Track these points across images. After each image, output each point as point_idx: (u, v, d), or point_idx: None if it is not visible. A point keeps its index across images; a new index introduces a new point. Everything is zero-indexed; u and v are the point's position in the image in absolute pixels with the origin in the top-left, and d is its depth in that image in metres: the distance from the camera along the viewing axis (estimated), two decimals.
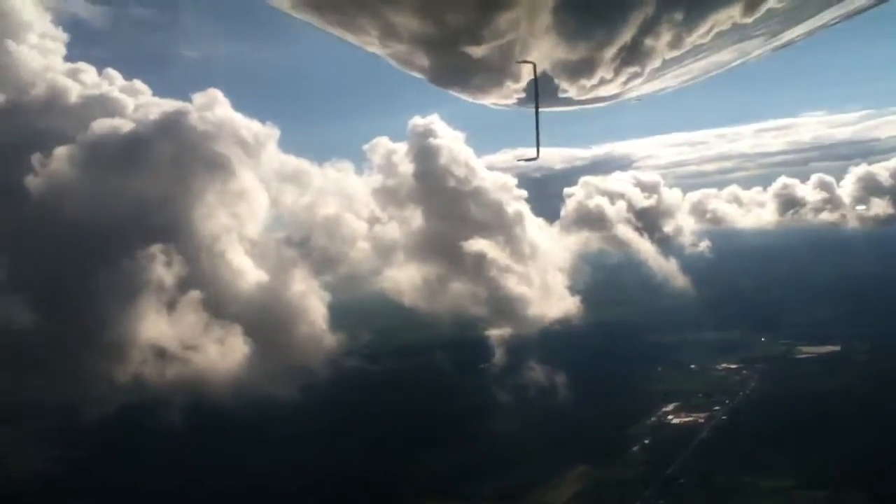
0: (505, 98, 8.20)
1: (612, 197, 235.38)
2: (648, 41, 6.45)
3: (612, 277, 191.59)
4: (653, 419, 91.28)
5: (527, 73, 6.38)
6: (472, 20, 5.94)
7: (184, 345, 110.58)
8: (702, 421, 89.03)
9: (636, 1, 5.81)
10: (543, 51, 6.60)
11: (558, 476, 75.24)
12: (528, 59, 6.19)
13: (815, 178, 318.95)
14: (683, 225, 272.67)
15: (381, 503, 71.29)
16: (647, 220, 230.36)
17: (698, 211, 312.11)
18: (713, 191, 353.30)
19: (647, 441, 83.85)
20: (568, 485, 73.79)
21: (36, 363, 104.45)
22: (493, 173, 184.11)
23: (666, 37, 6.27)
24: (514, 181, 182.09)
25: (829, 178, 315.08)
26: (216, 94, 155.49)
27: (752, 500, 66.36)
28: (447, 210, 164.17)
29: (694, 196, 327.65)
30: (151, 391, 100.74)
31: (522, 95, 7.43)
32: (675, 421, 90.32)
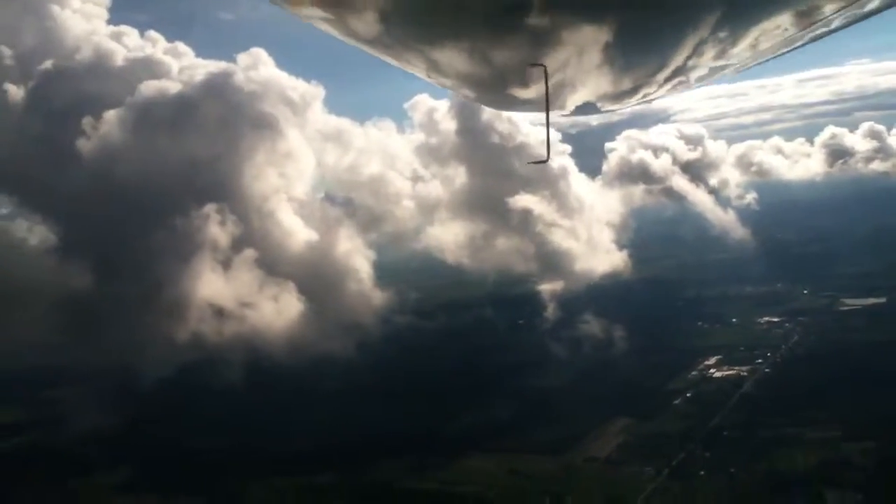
0: (524, 105, 8.04)
1: (656, 150, 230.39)
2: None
3: (656, 231, 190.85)
4: (694, 373, 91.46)
5: (538, 78, 6.25)
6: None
7: (240, 302, 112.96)
8: (744, 374, 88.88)
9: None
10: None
11: (601, 429, 76.08)
12: (539, 62, 6.04)
13: (864, 126, 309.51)
14: (729, 178, 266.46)
15: (426, 457, 72.86)
16: (692, 174, 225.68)
17: (743, 163, 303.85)
18: (758, 142, 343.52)
19: (689, 394, 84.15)
20: (610, 438, 74.56)
21: (94, 324, 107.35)
22: (536, 128, 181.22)
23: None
24: (559, 136, 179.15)
25: (879, 127, 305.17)
26: (260, 53, 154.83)
27: (798, 452, 66.32)
28: (491, 166, 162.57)
29: (738, 148, 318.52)
30: (209, 349, 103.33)
31: (536, 102, 7.23)
32: (718, 374, 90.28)
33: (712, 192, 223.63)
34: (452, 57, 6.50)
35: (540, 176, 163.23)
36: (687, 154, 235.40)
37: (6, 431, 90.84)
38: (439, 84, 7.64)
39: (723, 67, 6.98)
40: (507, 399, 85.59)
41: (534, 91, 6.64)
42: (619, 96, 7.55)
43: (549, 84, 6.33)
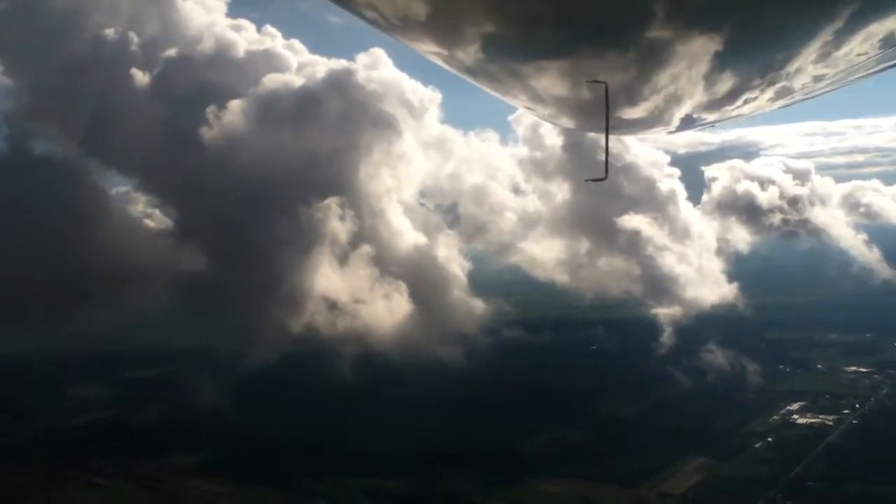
0: (586, 123, 8.29)
1: (763, 183, 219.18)
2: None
3: (761, 265, 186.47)
4: (776, 417, 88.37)
5: (599, 96, 6.33)
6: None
7: (353, 298, 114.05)
8: (830, 423, 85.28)
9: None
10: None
11: (677, 465, 73.91)
12: (600, 80, 6.12)
13: None
14: (836, 217, 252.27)
15: (501, 473, 72.23)
16: (798, 210, 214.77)
17: (849, 203, 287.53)
18: (864, 182, 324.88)
19: (770, 439, 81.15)
20: (686, 475, 72.27)
21: (204, 308, 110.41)
22: (644, 148, 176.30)
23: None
24: (667, 158, 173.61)
25: None
26: (380, 53, 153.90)
27: None
28: (597, 185, 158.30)
29: (844, 187, 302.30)
30: (315, 342, 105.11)
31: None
32: (801, 421, 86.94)
33: (816, 231, 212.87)
34: (516, 74, 6.67)
35: (647, 197, 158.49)
36: (793, 189, 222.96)
37: (98, 405, 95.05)
38: (506, 99, 7.84)
39: (782, 96, 6.91)
40: (587, 423, 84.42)
41: (594, 108, 6.65)
42: (682, 119, 7.48)
43: (610, 102, 6.35)
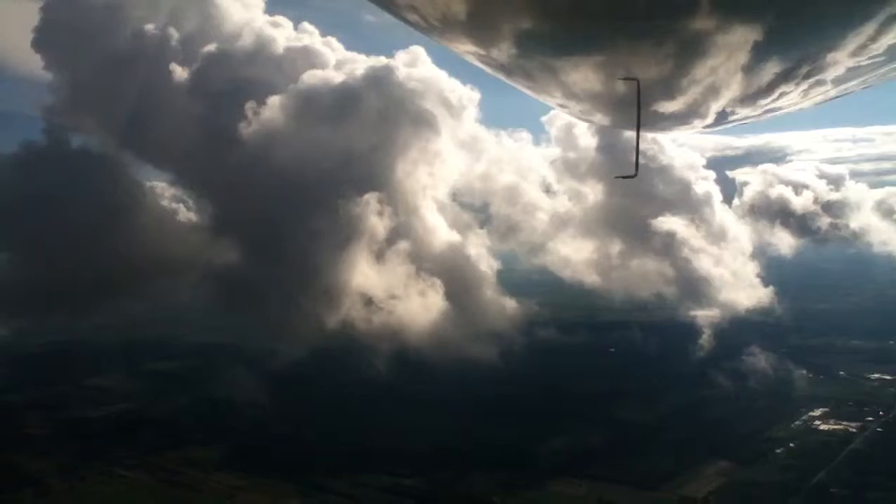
0: (617, 119, 8.40)
1: (796, 188, 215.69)
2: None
3: (791, 272, 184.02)
4: (798, 423, 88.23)
5: (631, 93, 6.38)
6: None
7: (389, 294, 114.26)
8: (853, 430, 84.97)
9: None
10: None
11: (698, 469, 73.86)
12: (632, 77, 6.19)
13: None
14: (870, 223, 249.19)
15: (520, 474, 72.63)
16: (832, 215, 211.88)
17: (882, 209, 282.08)
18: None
19: (792, 445, 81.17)
20: (708, 479, 72.38)
21: (235, 302, 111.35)
22: (680, 150, 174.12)
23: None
24: (703, 161, 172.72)
25: None
26: (419, 51, 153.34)
27: None
28: (630, 186, 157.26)
29: (877, 193, 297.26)
30: (344, 338, 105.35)
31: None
32: (824, 427, 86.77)
33: (853, 236, 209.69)
34: (550, 70, 6.77)
35: (682, 200, 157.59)
36: (828, 194, 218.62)
37: (122, 397, 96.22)
38: (539, 98, 8.00)
39: (818, 91, 6.96)
40: (609, 426, 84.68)
41: (627, 105, 6.77)
42: (717, 114, 7.52)
43: (643, 97, 6.50)
